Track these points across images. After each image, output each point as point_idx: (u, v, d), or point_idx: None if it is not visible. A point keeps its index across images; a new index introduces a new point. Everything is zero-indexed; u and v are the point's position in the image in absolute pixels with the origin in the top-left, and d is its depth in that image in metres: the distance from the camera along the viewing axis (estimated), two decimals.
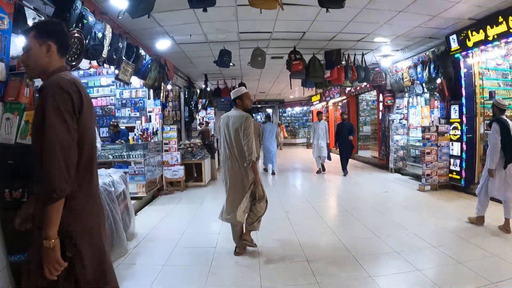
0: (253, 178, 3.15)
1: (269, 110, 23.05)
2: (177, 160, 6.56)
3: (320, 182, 7.59)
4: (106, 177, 3.64)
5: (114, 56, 4.57)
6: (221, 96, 10.13)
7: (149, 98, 6.75)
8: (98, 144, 4.60)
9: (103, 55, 4.26)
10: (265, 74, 9.93)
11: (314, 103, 17.31)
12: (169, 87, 9.37)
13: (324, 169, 8.52)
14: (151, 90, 6.79)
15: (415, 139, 8.20)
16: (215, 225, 4.29)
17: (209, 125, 12.11)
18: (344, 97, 12.69)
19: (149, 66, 5.81)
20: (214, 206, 5.55)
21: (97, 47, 4.08)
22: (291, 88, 7.42)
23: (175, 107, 9.38)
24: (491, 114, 4.67)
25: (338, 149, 8.58)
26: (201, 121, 12.28)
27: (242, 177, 3.14)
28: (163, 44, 5.87)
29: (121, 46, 4.68)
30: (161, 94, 6.51)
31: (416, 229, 3.89)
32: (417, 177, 7.49)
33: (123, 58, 4.83)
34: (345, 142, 8.31)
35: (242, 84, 9.90)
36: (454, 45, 6.05)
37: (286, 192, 6.50)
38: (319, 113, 8.92)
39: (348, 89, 11.82)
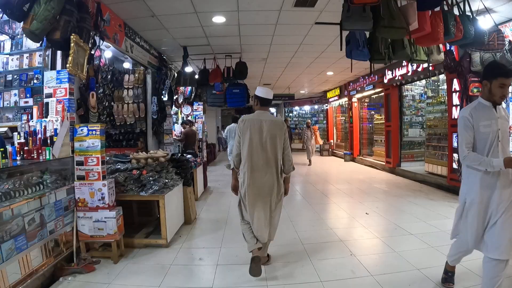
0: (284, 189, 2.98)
1: (272, 110, 19.62)
2: (103, 197, 3.10)
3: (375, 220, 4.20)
4: None
5: None
6: (209, 83, 6.70)
7: (53, 68, 3.30)
8: None
9: None
10: (277, 49, 6.48)
11: (330, 99, 13.89)
12: (126, 65, 5.99)
13: None
14: (59, 53, 3.36)
15: None
16: None
17: (194, 125, 8.65)
18: (380, 89, 9.28)
19: None
20: None
21: None
22: (341, 49, 3.94)
23: (137, 97, 6.00)
24: None
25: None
26: (184, 119, 8.80)
27: (278, 186, 2.85)
28: None
29: None
30: (70, 58, 3.07)
31: None
32: None
33: None
34: None
35: (242, 64, 6.51)
36: None
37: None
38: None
39: (389, 75, 8.43)
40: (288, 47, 6.32)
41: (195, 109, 9.59)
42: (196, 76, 6.74)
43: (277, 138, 2.80)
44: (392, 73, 8.27)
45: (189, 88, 8.58)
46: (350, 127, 11.70)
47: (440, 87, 8.49)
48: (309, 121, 11.80)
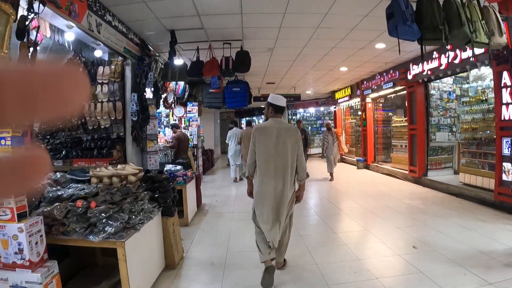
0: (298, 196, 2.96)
1: None
2: (20, 250, 1.88)
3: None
4: None
5: None
6: (204, 76, 5.50)
7: None
8: None
9: None
10: (287, 35, 5.27)
11: (339, 100, 12.69)
12: (97, 53, 4.83)
13: None
14: None
15: None
16: None
17: (181, 128, 7.46)
18: (402, 87, 8.09)
19: None
20: None
21: None
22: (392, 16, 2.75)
23: (113, 93, 4.85)
24: None
25: None
26: (172, 122, 7.59)
27: (292, 194, 2.86)
28: None
29: None
30: None
31: None
32: None
33: None
34: None
35: (244, 53, 5.34)
36: None
37: None
38: None
39: (414, 70, 7.25)
40: (302, 31, 5.11)
41: (189, 111, 8.37)
42: (187, 69, 5.53)
43: (292, 145, 2.80)
44: (419, 67, 7.08)
45: (181, 85, 7.38)
46: (364, 131, 10.48)
47: (470, 85, 7.37)
48: (330, 122, 9.40)
